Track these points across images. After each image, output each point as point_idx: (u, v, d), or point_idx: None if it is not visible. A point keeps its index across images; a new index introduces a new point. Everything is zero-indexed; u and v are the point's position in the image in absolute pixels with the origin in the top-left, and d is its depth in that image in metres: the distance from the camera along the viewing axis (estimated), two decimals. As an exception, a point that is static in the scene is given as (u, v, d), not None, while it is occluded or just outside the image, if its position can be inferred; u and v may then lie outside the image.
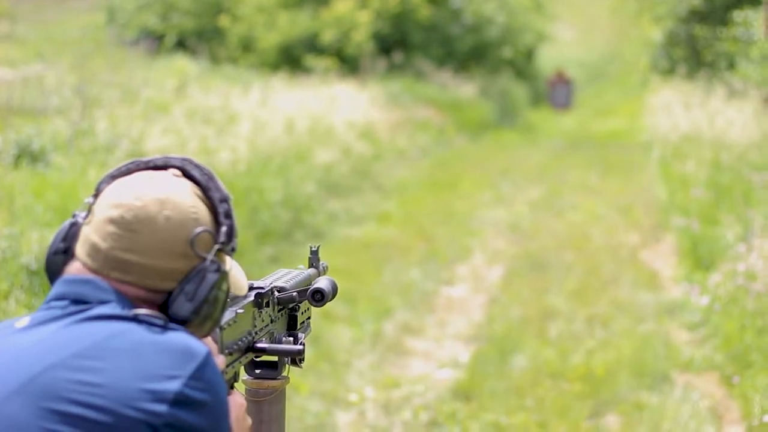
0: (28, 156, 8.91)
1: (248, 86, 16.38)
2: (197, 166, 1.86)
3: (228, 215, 1.84)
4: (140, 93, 13.60)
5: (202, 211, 1.81)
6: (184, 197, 1.80)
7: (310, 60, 22.15)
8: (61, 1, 29.02)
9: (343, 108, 16.67)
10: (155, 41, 22.53)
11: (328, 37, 22.79)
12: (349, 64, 22.61)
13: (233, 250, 1.85)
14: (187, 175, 1.85)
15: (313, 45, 23.02)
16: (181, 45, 23.32)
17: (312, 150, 13.15)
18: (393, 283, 8.99)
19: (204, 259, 1.78)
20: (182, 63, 18.38)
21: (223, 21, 23.53)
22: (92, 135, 10.06)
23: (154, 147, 9.89)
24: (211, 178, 1.85)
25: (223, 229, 1.82)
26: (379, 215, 12.02)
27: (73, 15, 26.08)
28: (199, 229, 1.78)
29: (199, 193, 1.83)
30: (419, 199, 13.42)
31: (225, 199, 1.85)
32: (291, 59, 22.73)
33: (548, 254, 10.28)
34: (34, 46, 17.76)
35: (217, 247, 1.80)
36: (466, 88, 24.00)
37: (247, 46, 23.41)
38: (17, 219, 7.14)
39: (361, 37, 22.83)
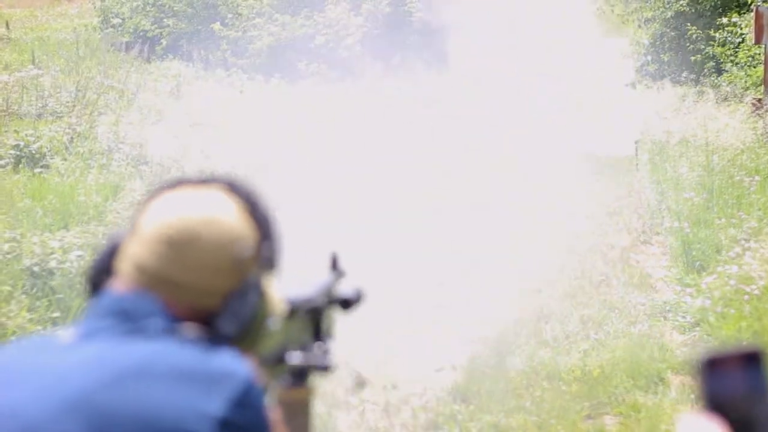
0: (27, 159, 8.95)
1: (242, 90, 16.40)
2: (242, 185, 1.86)
3: (272, 234, 1.85)
4: (136, 97, 13.62)
5: (247, 229, 1.81)
6: (230, 215, 1.80)
7: (304, 64, 22.19)
8: (52, 5, 29.00)
9: (339, 111, 16.68)
10: (148, 45, 22.54)
11: (321, 40, 22.84)
12: (342, 67, 22.66)
13: (276, 267, 1.86)
14: (232, 193, 1.84)
15: (306, 48, 23.06)
16: (175, 48, 23.33)
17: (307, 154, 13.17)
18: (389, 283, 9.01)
19: (248, 277, 1.79)
20: (176, 66, 18.39)
21: (217, 25, 23.54)
22: (90, 138, 10.09)
23: (155, 152, 9.92)
24: (256, 196, 1.86)
25: (268, 247, 1.83)
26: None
27: (65, 19, 26.06)
28: (243, 248, 1.78)
29: (244, 211, 1.83)
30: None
31: (270, 218, 1.85)
32: (284, 63, 22.77)
33: (541, 255, 10.32)
34: (29, 50, 17.76)
35: (261, 265, 1.81)
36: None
37: (240, 50, 23.43)
38: (18, 222, 7.17)
39: (353, 41, 22.88)
